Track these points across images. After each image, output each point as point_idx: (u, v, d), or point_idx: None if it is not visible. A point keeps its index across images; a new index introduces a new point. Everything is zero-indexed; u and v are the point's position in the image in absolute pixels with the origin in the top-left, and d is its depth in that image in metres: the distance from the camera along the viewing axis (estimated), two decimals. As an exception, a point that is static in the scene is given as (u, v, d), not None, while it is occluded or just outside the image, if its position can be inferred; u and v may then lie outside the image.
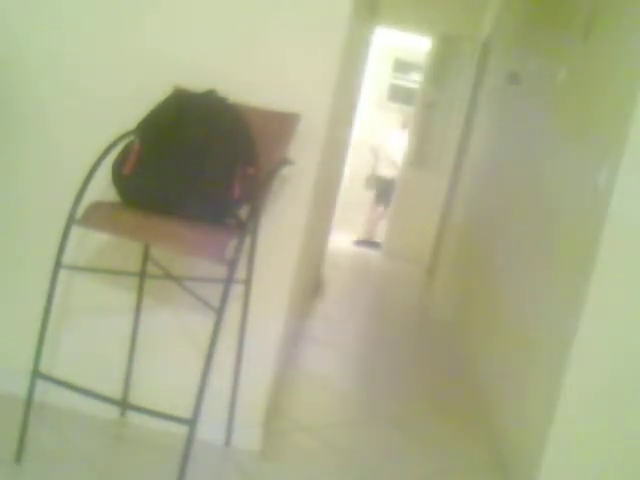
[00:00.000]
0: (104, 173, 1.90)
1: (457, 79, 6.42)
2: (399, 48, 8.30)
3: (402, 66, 8.54)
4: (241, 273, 2.03)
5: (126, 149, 1.92)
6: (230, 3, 2.11)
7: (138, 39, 2.14)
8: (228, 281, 1.73)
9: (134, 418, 2.24)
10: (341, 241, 7.03)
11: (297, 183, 2.15)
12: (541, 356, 2.53)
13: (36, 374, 1.87)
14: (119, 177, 1.90)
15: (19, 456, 1.91)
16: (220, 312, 1.73)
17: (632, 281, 2.18)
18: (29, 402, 1.89)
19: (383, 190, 7.44)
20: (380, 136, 7.75)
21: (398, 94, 8.62)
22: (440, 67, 6.49)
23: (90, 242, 2.22)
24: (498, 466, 2.60)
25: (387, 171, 7.44)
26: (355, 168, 7.91)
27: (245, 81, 2.11)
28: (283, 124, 2.04)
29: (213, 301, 1.79)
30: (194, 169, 1.83)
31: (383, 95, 8.62)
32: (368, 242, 7.47)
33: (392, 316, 4.84)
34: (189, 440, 1.73)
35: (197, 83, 2.01)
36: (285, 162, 2.04)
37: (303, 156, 2.12)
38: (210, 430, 2.20)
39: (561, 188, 2.75)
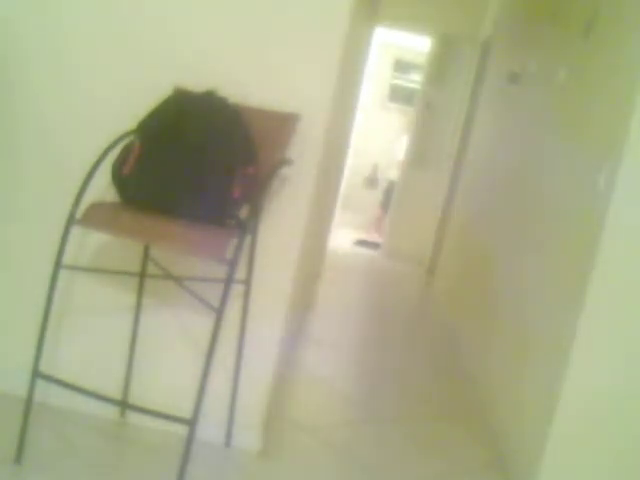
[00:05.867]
0: (104, 173, 1.90)
1: (457, 79, 6.42)
2: (399, 48, 8.30)
3: (402, 66, 8.54)
4: (241, 273, 2.03)
5: (126, 149, 1.92)
6: (230, 3, 2.11)
7: (138, 39, 2.14)
8: (228, 281, 1.73)
9: (134, 418, 2.24)
10: (341, 241, 7.04)
11: (297, 183, 2.15)
12: (541, 356, 2.53)
13: (36, 374, 1.87)
14: (119, 177, 1.90)
15: (19, 456, 1.91)
16: (220, 312, 1.73)
17: (632, 281, 2.18)
18: (29, 402, 1.89)
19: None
20: (387, 140, 7.88)
21: (398, 94, 8.62)
22: (440, 67, 6.49)
23: (90, 242, 2.22)
24: (498, 467, 2.60)
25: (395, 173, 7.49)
26: (355, 168, 7.93)
27: (245, 81, 2.11)
28: (283, 124, 2.04)
29: (213, 301, 1.79)
30: (194, 169, 1.83)
31: (384, 95, 8.63)
32: (368, 242, 7.47)
33: (392, 316, 4.84)
34: (189, 440, 1.73)
35: (197, 83, 2.01)
36: (285, 162, 2.04)
37: (303, 156, 2.12)
38: (210, 430, 2.20)
39: (561, 188, 2.75)
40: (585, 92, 2.72)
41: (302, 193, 2.17)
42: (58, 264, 1.85)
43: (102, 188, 1.97)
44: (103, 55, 2.15)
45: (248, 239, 1.99)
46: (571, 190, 2.61)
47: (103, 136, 1.95)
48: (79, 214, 1.84)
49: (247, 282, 2.11)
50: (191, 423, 1.73)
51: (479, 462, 2.62)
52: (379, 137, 8.54)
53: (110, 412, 2.25)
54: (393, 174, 7.62)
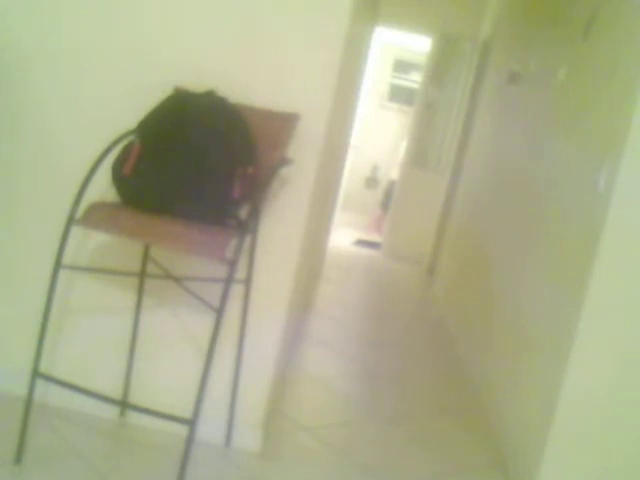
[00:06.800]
0: (104, 173, 1.90)
1: (457, 79, 6.42)
2: (399, 48, 8.31)
3: (402, 66, 8.55)
4: (241, 273, 2.03)
5: (126, 149, 1.92)
6: (230, 3, 2.12)
7: (138, 39, 2.14)
8: (228, 281, 1.73)
9: (134, 418, 2.24)
10: (341, 241, 7.04)
11: (297, 183, 2.15)
12: (541, 356, 2.53)
13: (36, 374, 1.87)
14: (119, 177, 1.90)
15: (19, 456, 1.91)
16: (220, 312, 1.73)
17: (632, 281, 2.18)
18: (29, 402, 1.89)
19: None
20: (388, 140, 7.89)
21: (398, 94, 8.63)
22: (440, 67, 6.49)
23: (90, 242, 2.22)
24: (498, 466, 2.60)
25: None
26: (355, 168, 7.93)
27: (245, 81, 2.11)
28: (283, 124, 2.04)
29: (213, 301, 1.80)
30: (194, 169, 1.83)
31: (383, 95, 8.63)
32: (368, 242, 7.47)
33: (392, 316, 4.84)
34: (189, 440, 1.73)
35: (197, 83, 2.01)
36: (285, 162, 2.04)
37: (303, 156, 2.12)
38: (210, 430, 2.20)
39: (561, 188, 2.75)
40: (585, 92, 2.72)
41: (302, 193, 2.17)
42: (58, 264, 1.85)
43: (102, 188, 1.97)
44: (103, 55, 2.15)
45: (248, 239, 1.99)
46: (571, 190, 2.61)
47: (103, 136, 1.95)
48: (79, 214, 1.84)
49: (247, 282, 2.11)
50: (191, 423, 1.73)
51: (479, 462, 2.63)
52: (379, 137, 8.55)
53: (110, 412, 2.25)
54: (393, 174, 7.62)
